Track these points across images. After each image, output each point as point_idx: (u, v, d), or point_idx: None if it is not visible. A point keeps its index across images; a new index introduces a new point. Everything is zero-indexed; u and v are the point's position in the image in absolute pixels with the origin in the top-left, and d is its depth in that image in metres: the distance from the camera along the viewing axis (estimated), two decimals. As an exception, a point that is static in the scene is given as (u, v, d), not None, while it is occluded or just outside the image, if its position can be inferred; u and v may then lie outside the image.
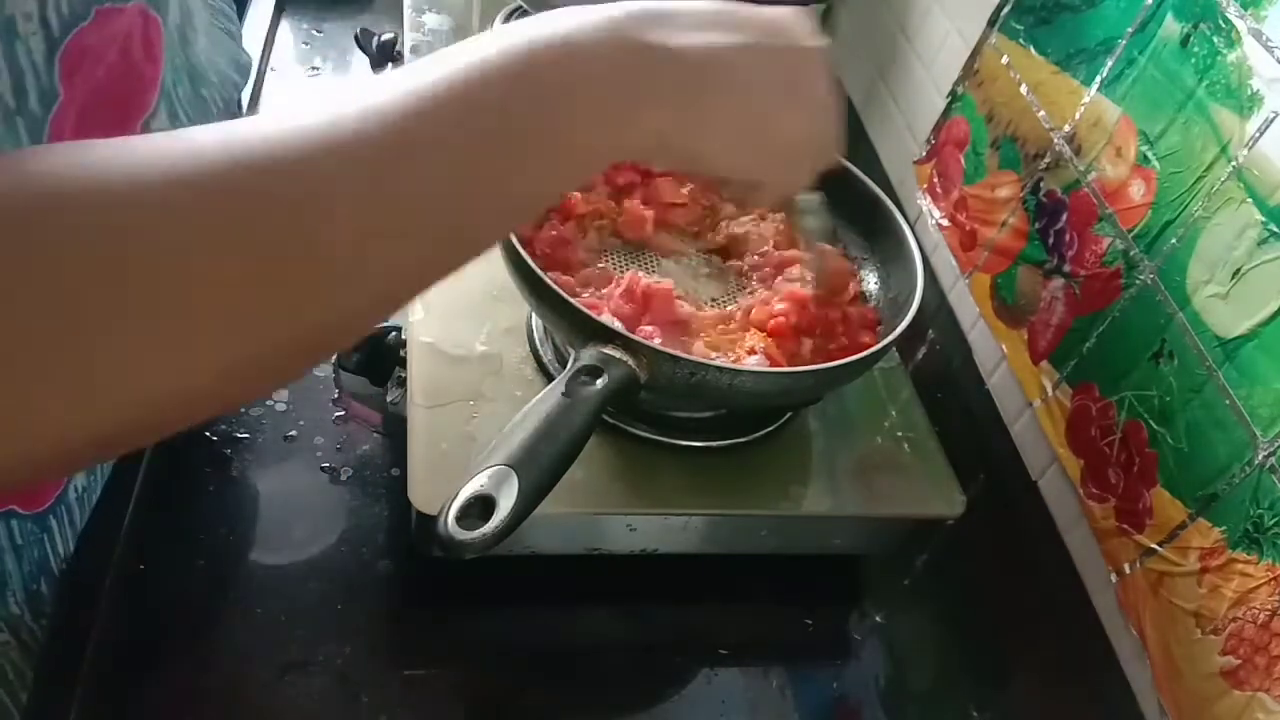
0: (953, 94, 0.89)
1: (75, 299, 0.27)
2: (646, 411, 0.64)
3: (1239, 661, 0.56)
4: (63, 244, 0.27)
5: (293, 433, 0.69)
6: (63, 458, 0.30)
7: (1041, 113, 0.77)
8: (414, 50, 0.93)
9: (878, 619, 0.69)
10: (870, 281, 0.71)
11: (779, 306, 0.65)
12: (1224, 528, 0.58)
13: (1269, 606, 0.55)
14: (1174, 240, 0.63)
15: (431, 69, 0.33)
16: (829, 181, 0.72)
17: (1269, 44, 0.58)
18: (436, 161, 0.32)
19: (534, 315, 0.68)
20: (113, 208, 0.28)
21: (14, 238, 0.26)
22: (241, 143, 0.30)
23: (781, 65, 0.42)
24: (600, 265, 0.67)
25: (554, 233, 0.66)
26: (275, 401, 0.70)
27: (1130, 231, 0.67)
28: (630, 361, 0.53)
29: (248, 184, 0.29)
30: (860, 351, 0.60)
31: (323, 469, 0.67)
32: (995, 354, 0.82)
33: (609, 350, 0.54)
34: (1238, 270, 0.58)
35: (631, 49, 0.36)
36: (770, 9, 0.42)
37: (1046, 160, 0.76)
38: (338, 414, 0.70)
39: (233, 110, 0.67)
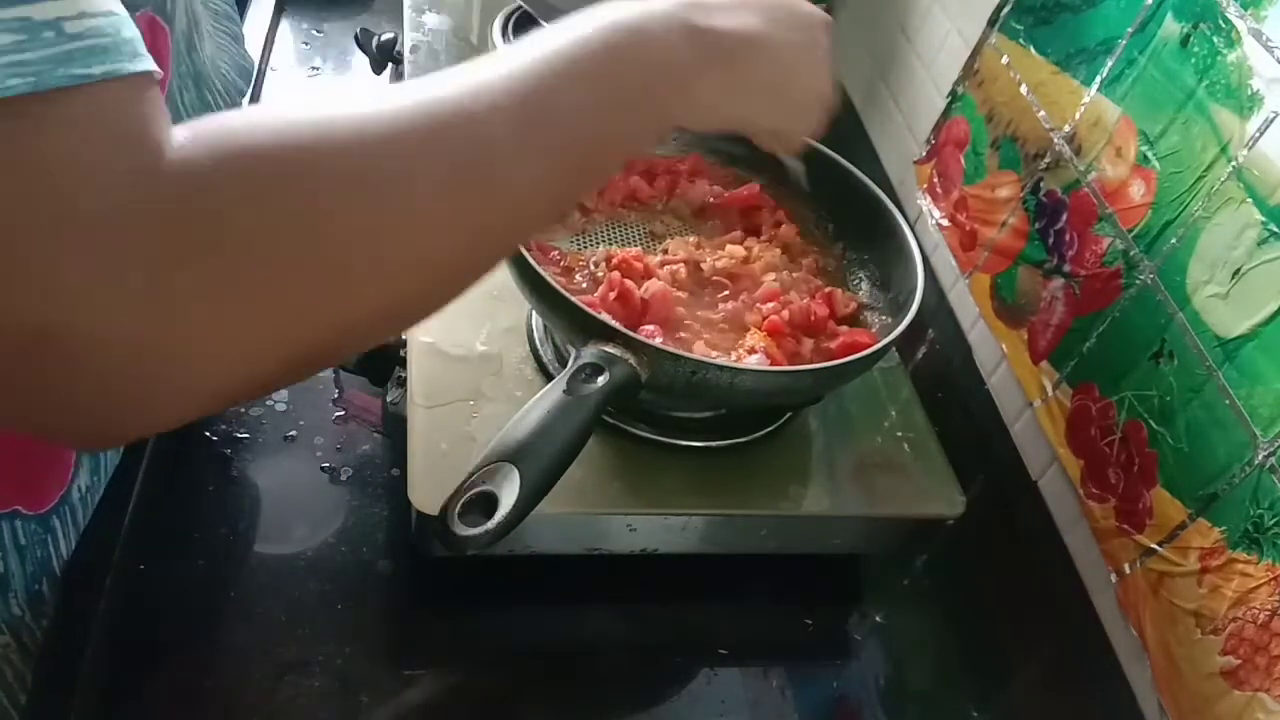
0: (953, 94, 0.89)
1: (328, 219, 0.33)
2: (646, 411, 0.64)
3: (1239, 661, 0.56)
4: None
5: (293, 433, 0.69)
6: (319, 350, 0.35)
7: (1041, 113, 0.77)
8: (414, 50, 0.93)
9: (878, 619, 0.69)
10: (870, 281, 0.72)
11: (767, 306, 0.65)
12: (1224, 528, 0.58)
13: (1269, 606, 0.55)
14: (1174, 240, 0.63)
15: (531, 51, 0.40)
16: (828, 178, 0.73)
17: (1269, 44, 0.58)
18: (567, 121, 0.40)
19: (534, 315, 0.68)
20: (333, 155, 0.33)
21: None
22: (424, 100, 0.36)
23: (795, 34, 0.51)
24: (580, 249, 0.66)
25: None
26: (275, 401, 0.70)
27: (1130, 231, 0.67)
28: (631, 360, 0.53)
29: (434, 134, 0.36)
30: (861, 350, 0.60)
31: (323, 469, 0.67)
32: (995, 354, 0.82)
33: (610, 349, 0.54)
34: (1238, 270, 0.58)
35: (687, 32, 0.45)
36: None
37: (1046, 160, 0.76)
38: (338, 414, 0.70)
39: None
